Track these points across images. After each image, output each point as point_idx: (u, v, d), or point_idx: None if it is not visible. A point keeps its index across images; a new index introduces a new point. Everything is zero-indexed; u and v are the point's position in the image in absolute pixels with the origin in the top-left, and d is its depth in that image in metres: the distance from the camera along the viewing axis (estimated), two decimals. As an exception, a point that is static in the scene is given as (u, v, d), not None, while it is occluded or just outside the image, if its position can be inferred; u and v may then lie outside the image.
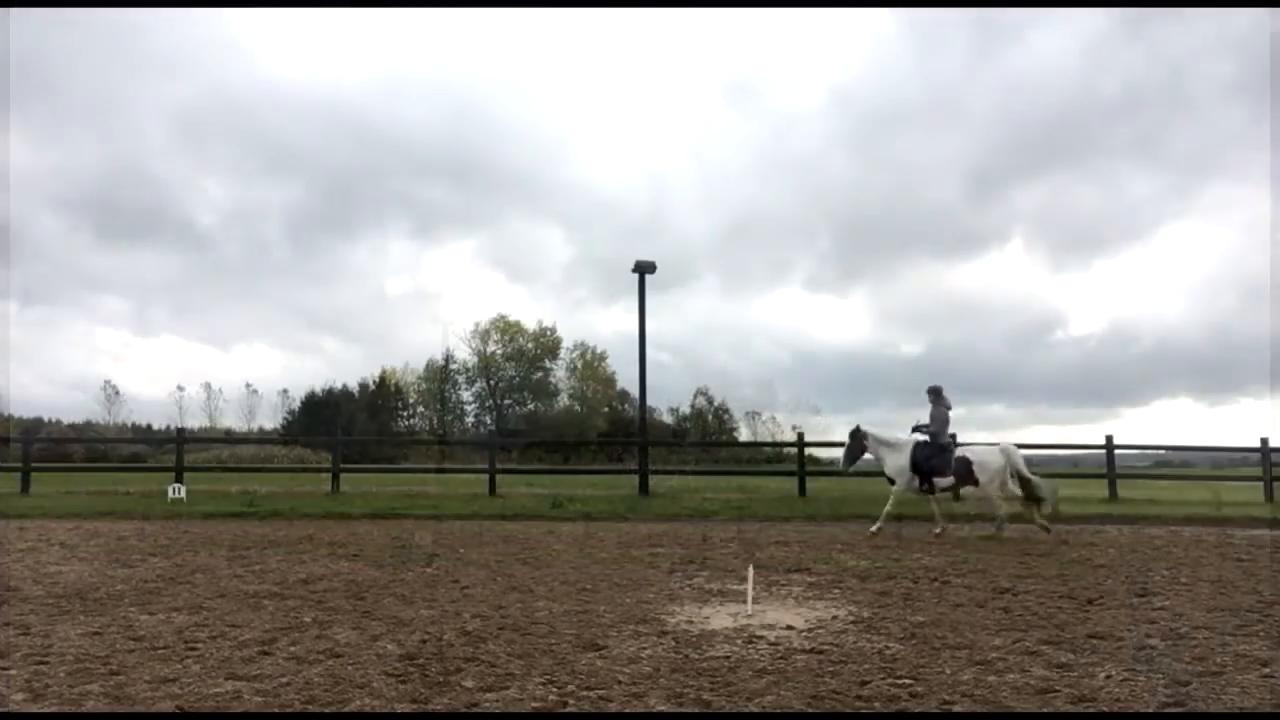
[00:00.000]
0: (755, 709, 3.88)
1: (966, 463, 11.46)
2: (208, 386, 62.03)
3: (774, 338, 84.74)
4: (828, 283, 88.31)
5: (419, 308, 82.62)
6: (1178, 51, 74.85)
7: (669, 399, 70.32)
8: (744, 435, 71.86)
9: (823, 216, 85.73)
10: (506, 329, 65.20)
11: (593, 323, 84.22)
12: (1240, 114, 76.81)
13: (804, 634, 5.38)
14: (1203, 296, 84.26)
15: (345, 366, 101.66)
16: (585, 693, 4.09)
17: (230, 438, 44.63)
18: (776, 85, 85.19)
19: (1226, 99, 76.55)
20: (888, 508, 11.68)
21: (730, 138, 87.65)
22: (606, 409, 65.42)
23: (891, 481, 11.87)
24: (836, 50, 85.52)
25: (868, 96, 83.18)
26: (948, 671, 4.50)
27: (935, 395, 12.23)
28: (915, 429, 12.11)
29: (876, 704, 3.96)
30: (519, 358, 65.45)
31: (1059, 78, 75.57)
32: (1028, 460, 11.67)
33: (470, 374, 65.21)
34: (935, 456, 11.59)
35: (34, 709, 3.81)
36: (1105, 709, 3.90)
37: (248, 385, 62.85)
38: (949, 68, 79.51)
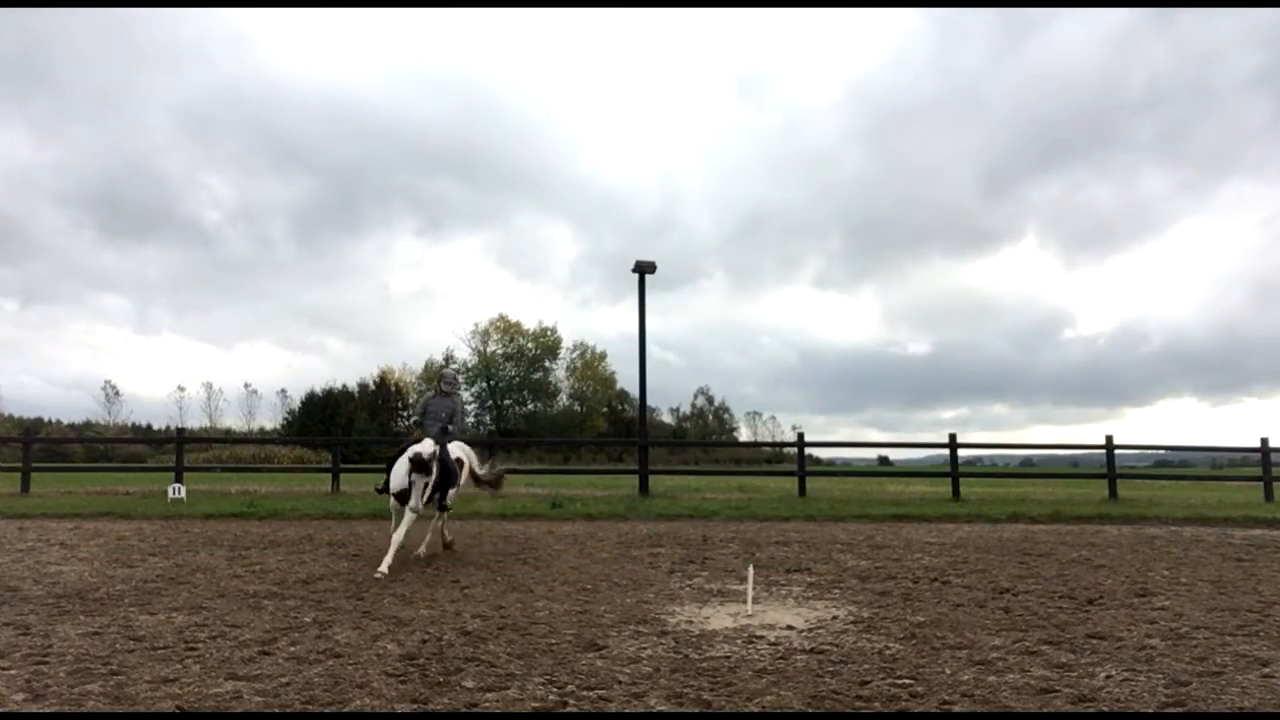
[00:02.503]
0: (755, 709, 3.87)
1: (461, 464, 9.39)
2: (208, 386, 62.16)
3: (780, 336, 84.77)
4: (836, 281, 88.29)
5: (424, 306, 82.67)
6: (1204, 44, 74.19)
7: (672, 398, 70.35)
8: (744, 435, 71.88)
9: (834, 213, 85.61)
10: (507, 329, 65.20)
11: (599, 320, 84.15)
12: (1265, 108, 76.24)
13: (804, 634, 5.38)
14: (1213, 294, 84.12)
15: (347, 366, 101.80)
16: (585, 693, 4.08)
17: (230, 438, 44.64)
18: (792, 79, 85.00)
19: (1251, 92, 76.01)
20: (402, 526, 8.34)
21: (742, 133, 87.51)
22: (606, 409, 65.48)
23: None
24: (855, 44, 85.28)
25: (885, 90, 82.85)
26: (948, 671, 4.50)
27: (454, 385, 9.81)
28: (443, 430, 9.14)
29: (876, 704, 3.96)
30: (519, 358, 65.44)
31: (1082, 72, 74.89)
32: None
33: (470, 374, 65.21)
34: (450, 461, 8.91)
35: (34, 709, 3.81)
36: (1105, 709, 3.90)
37: (247, 385, 62.97)
38: (969, 61, 79.02)
